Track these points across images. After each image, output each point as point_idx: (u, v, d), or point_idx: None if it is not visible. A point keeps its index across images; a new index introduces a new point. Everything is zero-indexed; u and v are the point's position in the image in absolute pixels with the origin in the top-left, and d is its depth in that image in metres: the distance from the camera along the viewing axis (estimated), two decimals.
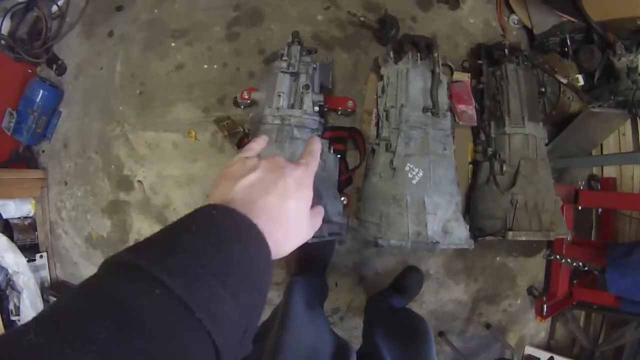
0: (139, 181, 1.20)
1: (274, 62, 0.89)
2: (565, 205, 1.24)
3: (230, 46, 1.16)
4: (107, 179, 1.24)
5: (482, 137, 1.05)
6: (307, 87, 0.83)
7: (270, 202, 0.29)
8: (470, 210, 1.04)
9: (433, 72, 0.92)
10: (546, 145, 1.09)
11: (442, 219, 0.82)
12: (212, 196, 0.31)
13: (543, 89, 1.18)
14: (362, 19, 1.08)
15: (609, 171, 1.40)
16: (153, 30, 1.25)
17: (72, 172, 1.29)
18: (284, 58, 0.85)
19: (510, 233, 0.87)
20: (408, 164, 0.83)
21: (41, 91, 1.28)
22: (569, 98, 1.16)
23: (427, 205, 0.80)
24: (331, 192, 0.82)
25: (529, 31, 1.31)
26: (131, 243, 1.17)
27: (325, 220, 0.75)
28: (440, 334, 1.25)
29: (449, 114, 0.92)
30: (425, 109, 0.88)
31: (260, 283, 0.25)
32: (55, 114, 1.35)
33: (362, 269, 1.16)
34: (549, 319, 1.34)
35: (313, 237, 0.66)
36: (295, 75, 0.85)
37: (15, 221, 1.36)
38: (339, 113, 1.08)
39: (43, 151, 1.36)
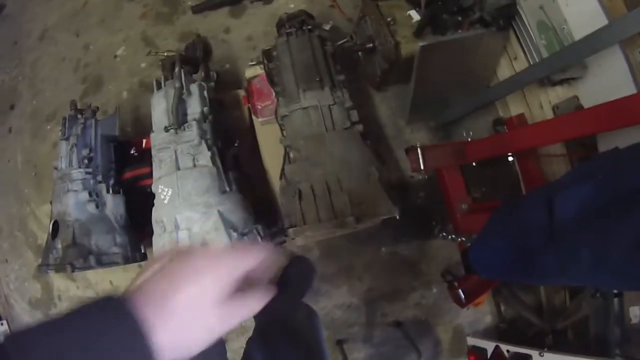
0: None
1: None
2: (448, 168, 1.20)
3: None
4: (29, 250, 1.64)
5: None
6: (72, 146, 1.09)
7: (164, 290, 0.29)
8: None
9: (175, 88, 0.98)
10: (350, 107, 0.98)
11: (199, 232, 0.88)
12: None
13: (371, 45, 1.16)
14: (165, 54, 1.31)
15: (515, 107, 1.27)
16: (34, 119, 1.65)
17: (8, 251, 1.74)
18: (60, 128, 1.14)
19: (290, 231, 0.87)
20: (160, 186, 0.94)
21: None
22: (392, 43, 1.08)
23: (180, 222, 0.88)
24: (105, 228, 1.05)
25: None
26: (57, 299, 1.57)
27: (95, 253, 0.98)
28: (339, 342, 1.25)
29: (194, 123, 0.96)
30: (166, 129, 0.96)
31: None
32: None
33: None
34: (487, 300, 1.24)
35: (76, 267, 0.91)
36: (68, 139, 1.11)
37: None
38: None
39: None
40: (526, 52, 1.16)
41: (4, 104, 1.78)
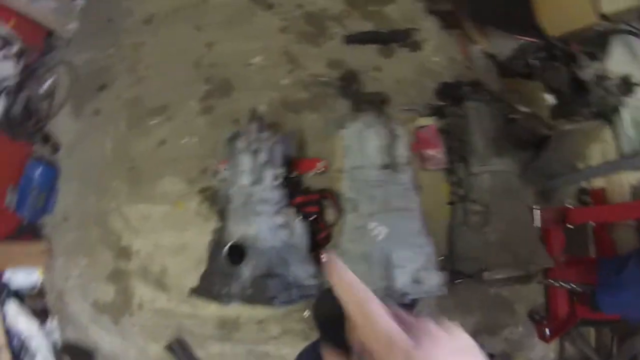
0: (136, 251, 1.42)
1: (236, 141, 1.05)
2: (554, 228, 1.35)
3: (206, 119, 1.38)
4: (107, 249, 1.47)
5: (454, 178, 1.17)
6: (265, 163, 1.00)
7: None
8: (449, 252, 1.15)
9: (388, 128, 1.05)
10: (521, 175, 1.18)
11: (412, 270, 0.95)
12: None
13: (514, 116, 1.26)
14: (323, 79, 1.27)
15: (597, 181, 1.45)
16: (134, 108, 1.49)
17: (74, 243, 1.54)
18: (242, 138, 1.02)
19: (485, 274, 1.00)
20: (372, 223, 0.97)
21: (38, 170, 1.53)
22: (540, 121, 1.25)
23: (395, 260, 0.94)
24: (299, 258, 0.99)
25: (495, 59, 1.45)
26: (135, 308, 1.42)
27: (295, 285, 0.93)
28: None
29: (408, 167, 1.04)
30: (383, 167, 1.02)
31: None
32: (54, 190, 1.59)
33: None
34: (556, 339, 1.40)
35: (281, 302, 0.85)
36: (255, 153, 1.01)
37: (25, 290, 1.61)
38: (313, 173, 1.27)
39: (46, 224, 1.61)
40: (618, 139, 1.36)
41: (93, 83, 1.57)
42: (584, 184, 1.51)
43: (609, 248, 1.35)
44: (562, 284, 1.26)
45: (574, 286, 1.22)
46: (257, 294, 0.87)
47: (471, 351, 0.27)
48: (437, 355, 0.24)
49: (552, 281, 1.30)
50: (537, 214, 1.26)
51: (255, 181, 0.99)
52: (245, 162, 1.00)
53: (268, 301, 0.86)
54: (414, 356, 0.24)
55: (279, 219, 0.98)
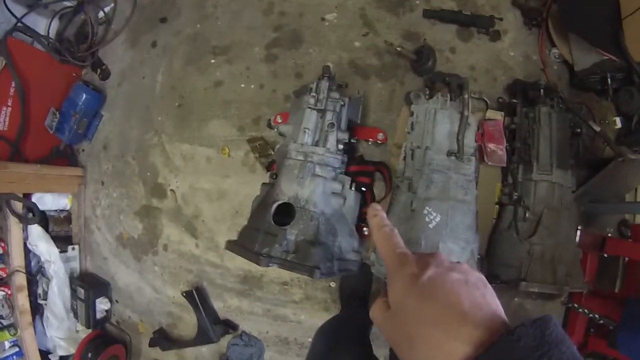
0: (171, 190, 1.37)
1: (303, 96, 0.96)
2: (590, 253, 1.32)
3: (268, 68, 1.31)
4: (142, 184, 1.42)
5: (510, 179, 1.12)
6: (332, 125, 0.91)
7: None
8: (488, 253, 1.11)
9: (462, 115, 0.97)
10: (574, 192, 1.14)
11: None
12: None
13: (579, 130, 1.22)
14: (398, 49, 1.19)
15: None
16: (195, 44, 1.41)
17: (109, 173, 1.49)
18: (311, 94, 0.92)
19: (522, 284, 0.94)
20: (427, 208, 0.91)
21: (84, 95, 1.48)
22: (603, 143, 1.21)
23: (441, 250, 0.88)
24: (346, 229, 0.90)
25: (569, 67, 1.37)
26: (160, 247, 1.36)
27: (337, 257, 0.85)
28: None
29: (473, 158, 0.97)
30: (449, 153, 0.95)
31: None
32: (97, 117, 1.54)
33: None
34: None
35: (322, 273, 0.77)
36: (322, 112, 0.92)
37: (52, 213, 1.57)
38: (369, 143, 1.19)
39: (83, 150, 1.57)
40: None
41: (154, 14, 1.51)
42: (627, 216, 1.48)
43: (636, 288, 1.29)
44: (586, 311, 1.23)
45: (597, 317, 1.18)
46: (299, 261, 0.78)
47: (477, 284, 0.29)
48: (442, 281, 0.27)
49: (577, 306, 1.27)
50: (578, 234, 1.22)
51: (317, 142, 0.91)
52: (311, 120, 0.91)
53: (309, 270, 0.76)
54: (419, 276, 0.28)
55: (335, 186, 0.90)
